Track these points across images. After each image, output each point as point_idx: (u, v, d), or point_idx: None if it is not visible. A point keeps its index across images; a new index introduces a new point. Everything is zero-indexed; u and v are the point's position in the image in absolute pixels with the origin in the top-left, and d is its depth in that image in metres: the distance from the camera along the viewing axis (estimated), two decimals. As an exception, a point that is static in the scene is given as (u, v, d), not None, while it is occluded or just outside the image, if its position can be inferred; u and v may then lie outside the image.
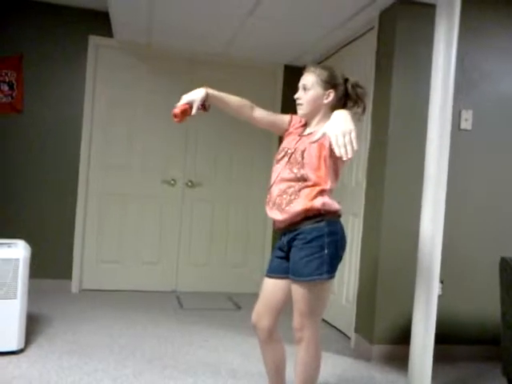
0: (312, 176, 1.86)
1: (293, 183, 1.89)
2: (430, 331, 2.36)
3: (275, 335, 2.04)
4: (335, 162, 1.90)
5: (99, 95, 4.28)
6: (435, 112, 2.35)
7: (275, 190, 1.95)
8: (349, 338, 3.40)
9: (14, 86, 4.07)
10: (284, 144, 2.05)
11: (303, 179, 1.87)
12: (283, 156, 1.99)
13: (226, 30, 3.75)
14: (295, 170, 1.89)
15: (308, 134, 1.97)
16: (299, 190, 1.87)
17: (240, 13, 3.36)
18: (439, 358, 2.93)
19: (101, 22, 4.17)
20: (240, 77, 4.57)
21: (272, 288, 2.01)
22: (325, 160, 1.86)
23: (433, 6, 2.66)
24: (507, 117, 3.21)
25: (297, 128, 2.08)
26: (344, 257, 3.59)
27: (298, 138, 2.00)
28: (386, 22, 3.13)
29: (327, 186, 1.88)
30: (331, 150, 1.82)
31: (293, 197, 1.87)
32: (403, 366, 2.85)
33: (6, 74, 4.05)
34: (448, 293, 3.10)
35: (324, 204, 1.85)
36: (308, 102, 1.97)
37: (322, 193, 1.86)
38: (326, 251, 1.82)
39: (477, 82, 3.15)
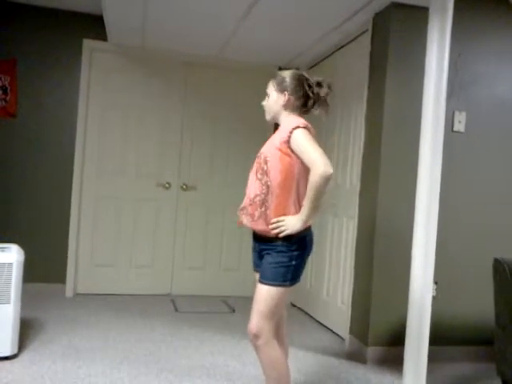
0: (275, 187, 1.92)
1: (258, 191, 1.97)
2: (424, 332, 2.36)
3: (278, 334, 2.09)
4: (295, 165, 1.93)
5: (93, 99, 4.27)
6: (428, 114, 2.35)
7: (246, 199, 2.03)
8: (343, 340, 3.40)
9: (8, 90, 4.05)
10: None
11: (267, 187, 1.94)
12: (255, 161, 2.07)
13: (221, 32, 3.75)
14: (261, 177, 1.97)
15: (271, 135, 2.07)
16: (266, 202, 1.94)
17: (234, 15, 3.36)
18: (434, 359, 2.93)
19: (95, 25, 4.17)
20: (234, 79, 4.57)
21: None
22: (287, 167, 1.92)
23: (426, 9, 2.68)
24: (500, 119, 3.23)
25: None
26: (338, 258, 3.61)
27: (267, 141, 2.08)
28: (380, 24, 3.15)
29: (293, 197, 1.94)
30: (288, 150, 1.90)
31: (262, 209, 1.94)
32: (398, 368, 2.85)
33: (0, 79, 4.04)
34: (442, 294, 3.11)
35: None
36: (269, 106, 2.09)
37: (291, 208, 1.93)
38: (293, 262, 1.95)
39: (470, 84, 3.16)
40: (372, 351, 3.03)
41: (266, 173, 1.95)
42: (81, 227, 4.27)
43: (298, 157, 1.90)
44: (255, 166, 2.03)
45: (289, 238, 1.92)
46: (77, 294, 4.24)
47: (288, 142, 1.91)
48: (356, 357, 3.12)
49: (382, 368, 2.96)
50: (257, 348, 1.95)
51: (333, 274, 3.68)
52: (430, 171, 2.34)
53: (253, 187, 1.99)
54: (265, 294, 1.93)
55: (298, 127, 1.91)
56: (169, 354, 2.94)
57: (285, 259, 1.93)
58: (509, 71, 3.23)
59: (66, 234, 4.20)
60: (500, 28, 3.20)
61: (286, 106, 2.03)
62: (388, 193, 3.04)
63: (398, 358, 2.90)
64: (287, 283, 1.94)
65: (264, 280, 1.95)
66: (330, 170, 1.82)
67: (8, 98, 4.05)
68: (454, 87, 3.09)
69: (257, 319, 1.93)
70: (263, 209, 1.94)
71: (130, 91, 4.36)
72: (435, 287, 3.08)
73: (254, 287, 4.97)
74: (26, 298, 3.41)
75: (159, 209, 4.46)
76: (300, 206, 1.93)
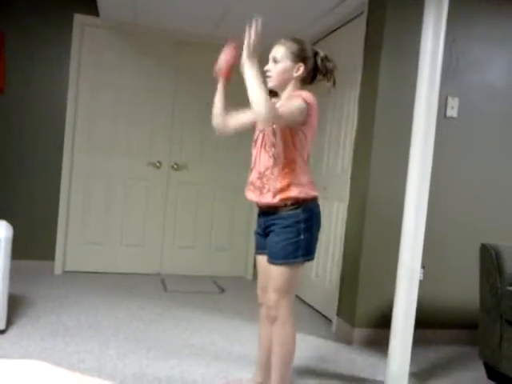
0: (283, 158, 1.89)
1: (268, 164, 1.93)
2: (410, 315, 2.40)
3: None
4: (302, 135, 1.90)
5: (84, 75, 4.21)
6: (421, 99, 2.35)
7: (255, 173, 1.99)
8: (330, 321, 3.44)
9: (-4, 64, 3.98)
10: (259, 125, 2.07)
11: (276, 158, 1.90)
12: (257, 136, 2.02)
13: (214, 11, 3.70)
14: (269, 150, 1.93)
15: None
16: (275, 173, 1.91)
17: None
18: (419, 341, 2.98)
19: (86, 0, 4.08)
20: (227, 59, 4.52)
21: (263, 264, 2.07)
22: (292, 133, 1.88)
23: (422, -7, 2.66)
24: (493, 105, 3.23)
25: None
26: (328, 241, 3.63)
27: None
28: (376, 7, 3.12)
29: (301, 166, 1.91)
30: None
31: (272, 181, 1.91)
32: (383, 350, 2.90)
33: (-12, 52, 3.96)
34: (429, 278, 3.15)
35: (300, 193, 1.89)
36: (278, 74, 1.97)
37: (299, 177, 1.90)
38: (302, 236, 1.89)
39: (464, 70, 3.16)
40: (358, 333, 3.08)
41: (274, 145, 1.91)
42: (71, 204, 4.25)
43: (300, 131, 1.88)
44: (260, 140, 1.98)
45: (300, 209, 1.88)
46: (66, 272, 4.24)
47: None
48: (342, 338, 3.17)
49: (368, 349, 3.01)
50: (276, 326, 1.94)
51: (322, 256, 3.70)
52: (421, 156, 2.35)
53: (261, 161, 1.95)
54: (277, 274, 1.90)
55: (301, 98, 1.86)
56: (157, 333, 2.96)
57: (291, 234, 1.88)
58: (501, 57, 3.23)
59: (55, 211, 4.18)
60: (495, 15, 3.19)
61: (298, 78, 1.96)
62: (379, 177, 3.05)
63: (383, 340, 2.94)
64: (299, 260, 1.89)
65: (272, 260, 1.92)
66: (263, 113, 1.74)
67: (-3, 73, 3.98)
68: (448, 73, 3.08)
69: (273, 298, 1.92)
70: (272, 180, 1.91)
71: (121, 69, 4.30)
72: (422, 271, 3.12)
73: (244, 268, 5.01)
74: (15, 275, 3.39)
75: (150, 188, 4.45)
76: (305, 175, 1.93)
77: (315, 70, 2.01)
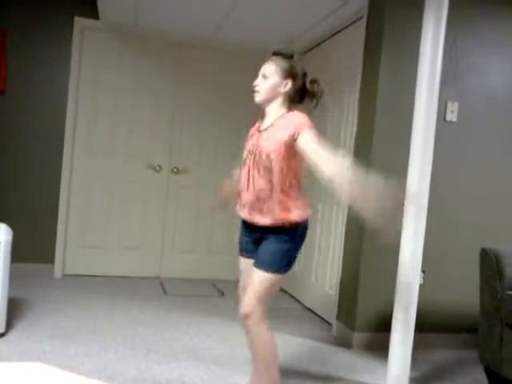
0: (278, 176, 1.92)
1: (263, 187, 1.95)
2: (410, 320, 2.40)
3: None
4: (297, 159, 1.94)
5: (84, 78, 4.21)
6: (421, 103, 2.36)
7: (249, 196, 2.00)
8: (330, 326, 3.43)
9: (-3, 67, 3.98)
10: (248, 145, 2.10)
11: (272, 184, 1.94)
12: (248, 155, 2.04)
13: (215, 14, 3.71)
14: (263, 173, 1.95)
15: (267, 128, 2.00)
16: (272, 196, 1.94)
17: (229, -2, 3.33)
18: (419, 346, 2.98)
19: (87, 3, 4.10)
20: (227, 62, 4.53)
21: (247, 267, 2.11)
22: (288, 158, 1.92)
23: (422, -3, 2.66)
24: (493, 109, 3.24)
25: (257, 128, 2.12)
26: (328, 244, 3.63)
27: (258, 133, 2.04)
28: (375, 10, 3.13)
29: (296, 188, 1.97)
30: (292, 146, 1.89)
31: (270, 204, 1.95)
32: (384, 354, 2.90)
33: (-11, 54, 3.96)
34: (429, 282, 3.15)
35: (297, 216, 1.96)
36: (265, 89, 2.01)
37: (295, 201, 1.96)
38: (290, 252, 1.97)
39: (463, 74, 3.17)
40: (358, 337, 3.07)
41: (270, 170, 1.93)
42: (70, 208, 4.25)
43: (300, 153, 1.90)
44: (251, 162, 1.99)
45: (295, 228, 1.96)
46: (65, 275, 4.23)
47: (295, 139, 1.88)
48: (342, 342, 3.16)
49: (368, 353, 3.00)
50: (247, 328, 1.98)
51: (321, 260, 3.70)
52: (421, 160, 2.35)
53: (256, 184, 1.97)
54: (260, 279, 1.95)
55: (307, 127, 1.89)
56: (157, 337, 2.95)
57: (286, 247, 1.95)
58: (502, 61, 3.24)
59: (55, 214, 4.18)
60: (496, 18, 3.20)
61: (285, 94, 2.01)
62: (379, 181, 3.05)
63: (383, 344, 2.94)
64: (282, 270, 1.97)
65: (261, 265, 1.97)
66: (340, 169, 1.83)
67: (-3, 75, 3.98)
68: (448, 77, 3.09)
69: (250, 301, 1.95)
70: (270, 203, 1.94)
71: (121, 71, 4.31)
72: (422, 275, 3.11)
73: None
74: (15, 278, 3.40)
75: (149, 191, 4.44)
76: (303, 198, 1.99)
77: (303, 90, 2.06)
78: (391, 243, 1.75)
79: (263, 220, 1.98)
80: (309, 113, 1.97)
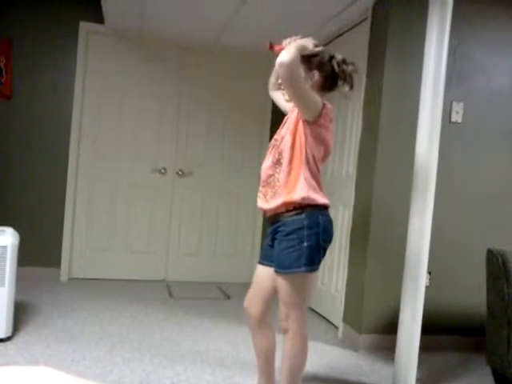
0: (287, 159, 1.85)
1: (271, 171, 1.92)
2: (416, 321, 2.39)
3: (266, 322, 2.07)
4: (314, 135, 1.84)
5: (89, 82, 4.23)
6: (426, 104, 2.35)
7: (262, 181, 1.99)
8: (336, 328, 3.42)
9: (3, 72, 4.01)
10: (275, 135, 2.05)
11: (279, 164, 1.88)
12: (271, 146, 2.01)
13: (219, 18, 3.72)
14: (273, 156, 1.92)
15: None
16: (279, 179, 1.88)
17: (233, 1, 3.33)
18: (425, 347, 2.96)
19: (92, 8, 4.11)
20: (232, 65, 4.54)
21: (262, 275, 2.04)
22: (300, 136, 1.84)
23: (426, -2, 2.66)
24: (497, 110, 3.23)
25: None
26: (333, 246, 3.62)
27: (284, 123, 1.99)
28: (380, 12, 3.13)
29: (303, 168, 1.84)
30: (303, 126, 1.83)
31: (276, 187, 1.89)
32: (390, 356, 2.88)
33: (-5, 60, 3.99)
34: (435, 284, 3.13)
35: (303, 198, 1.82)
36: None
37: (300, 181, 1.83)
38: (305, 244, 1.81)
39: (468, 75, 3.16)
40: (364, 339, 3.06)
41: (281, 153, 1.89)
42: (76, 211, 4.26)
43: (310, 136, 1.83)
44: (274, 148, 1.95)
45: (306, 215, 1.82)
46: (71, 279, 4.25)
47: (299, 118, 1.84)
48: (348, 344, 3.15)
49: (374, 355, 2.99)
50: (286, 339, 1.91)
51: (327, 262, 3.69)
52: (426, 161, 2.34)
53: (266, 168, 1.95)
54: (285, 285, 1.84)
55: (323, 103, 1.83)
56: (163, 340, 2.96)
57: (294, 242, 1.81)
58: (506, 62, 3.23)
59: (61, 218, 4.19)
60: (500, 19, 3.19)
61: (314, 85, 1.89)
62: (384, 183, 3.04)
63: (390, 346, 2.93)
64: (301, 269, 1.80)
65: (279, 270, 1.85)
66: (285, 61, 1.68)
67: (3, 80, 4.01)
68: (453, 78, 3.08)
69: (283, 311, 1.88)
70: (276, 187, 1.89)
71: (126, 75, 4.33)
72: (429, 277, 3.10)
73: (249, 274, 5.00)
74: (21, 282, 3.41)
75: (155, 194, 4.45)
76: (312, 183, 1.87)
77: (334, 76, 1.91)
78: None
79: (268, 204, 1.90)
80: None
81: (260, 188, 2.00)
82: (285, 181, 1.86)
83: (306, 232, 1.82)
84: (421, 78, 2.40)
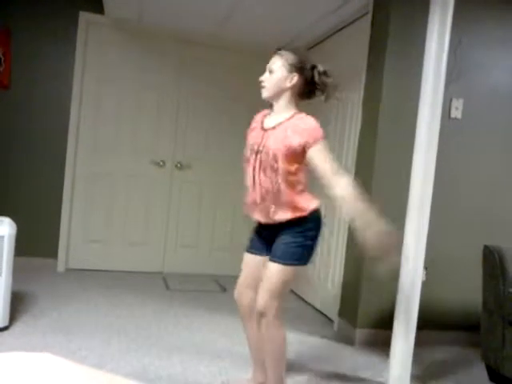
0: (286, 184, 1.92)
1: (270, 188, 1.95)
2: (412, 316, 2.40)
3: (251, 316, 2.09)
4: (304, 162, 1.95)
5: (88, 73, 4.21)
6: (426, 100, 2.35)
7: (255, 195, 2.01)
8: (332, 322, 3.44)
9: (1, 61, 3.98)
10: (250, 140, 2.05)
11: (278, 184, 1.93)
12: (252, 153, 2.01)
13: (218, 10, 3.70)
14: (269, 174, 1.94)
15: (275, 127, 1.96)
16: (279, 195, 1.94)
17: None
18: (421, 343, 2.97)
19: (92, -3, 4.09)
20: (230, 58, 4.52)
21: (252, 264, 2.10)
22: (296, 161, 1.92)
23: (427, -7, 2.65)
24: (497, 107, 3.23)
25: (257, 121, 2.09)
26: (330, 241, 3.63)
27: (263, 132, 2.00)
28: (381, 7, 3.12)
29: (302, 184, 1.97)
30: (302, 152, 1.90)
31: (277, 204, 1.95)
32: (385, 351, 2.89)
33: (-7, 49, 3.97)
34: (432, 279, 3.14)
35: (308, 208, 1.95)
36: (272, 84, 1.97)
37: (302, 195, 1.96)
38: (309, 243, 1.96)
39: (468, 71, 3.15)
40: (360, 333, 3.07)
41: (276, 171, 1.92)
42: (74, 202, 4.26)
43: (307, 160, 1.91)
44: (258, 161, 1.96)
45: (307, 219, 1.94)
46: (68, 269, 4.25)
47: (307, 149, 1.88)
48: (344, 339, 3.17)
49: (370, 350, 3.01)
50: (261, 325, 1.96)
51: (324, 257, 3.70)
52: (425, 157, 2.34)
53: (263, 183, 1.96)
54: (278, 273, 1.93)
55: (320, 138, 1.89)
56: (159, 331, 2.96)
57: (301, 239, 1.94)
58: (506, 59, 3.22)
59: (58, 208, 4.19)
60: (501, 17, 3.18)
61: (293, 88, 1.97)
62: (383, 178, 3.05)
63: (385, 341, 2.93)
64: (303, 263, 1.96)
65: (278, 258, 1.95)
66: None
67: (1, 69, 3.99)
68: (453, 74, 3.08)
69: (265, 297, 1.93)
70: (277, 202, 1.94)
71: (125, 67, 4.31)
72: (425, 272, 3.11)
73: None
74: (18, 272, 3.41)
75: (153, 187, 4.45)
76: (306, 188, 1.98)
77: (313, 84, 1.99)
78: (392, 269, 1.81)
79: (273, 218, 1.97)
80: (316, 108, 1.96)
81: (256, 201, 2.02)
82: (286, 197, 1.94)
83: (309, 233, 1.96)
84: (421, 73, 2.40)
